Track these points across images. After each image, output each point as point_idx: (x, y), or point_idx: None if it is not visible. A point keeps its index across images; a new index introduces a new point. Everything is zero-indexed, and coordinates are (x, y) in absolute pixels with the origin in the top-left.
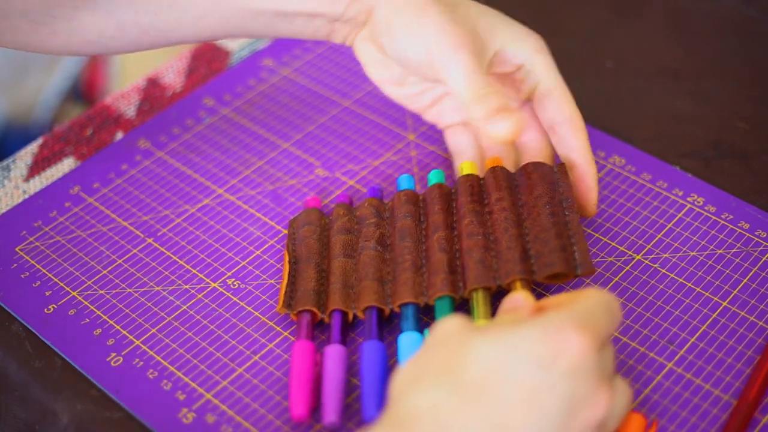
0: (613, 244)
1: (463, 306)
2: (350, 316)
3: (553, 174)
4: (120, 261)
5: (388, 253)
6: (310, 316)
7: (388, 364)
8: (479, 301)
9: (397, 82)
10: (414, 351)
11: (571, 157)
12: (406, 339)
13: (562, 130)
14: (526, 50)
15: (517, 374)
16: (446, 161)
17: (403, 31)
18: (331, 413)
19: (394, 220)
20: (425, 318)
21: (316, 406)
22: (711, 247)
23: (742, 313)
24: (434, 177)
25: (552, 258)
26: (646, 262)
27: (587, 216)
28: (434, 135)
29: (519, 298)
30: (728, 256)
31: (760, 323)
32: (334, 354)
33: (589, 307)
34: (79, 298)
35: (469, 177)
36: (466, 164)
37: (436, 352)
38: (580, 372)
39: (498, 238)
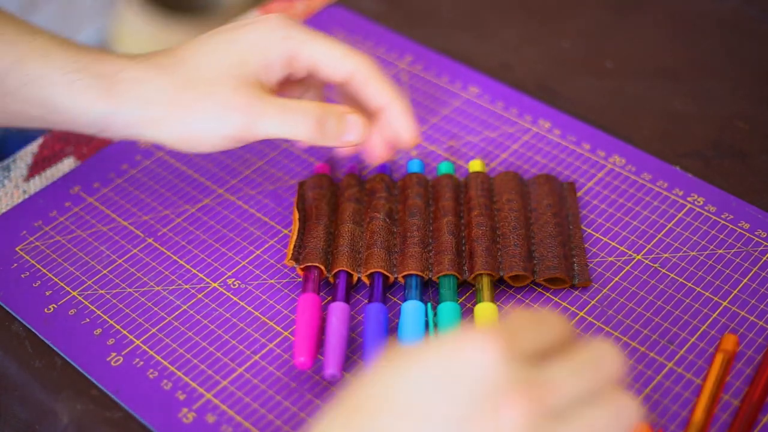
0: (613, 244)
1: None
2: (354, 278)
3: (562, 189)
4: (120, 261)
5: (396, 227)
6: (316, 272)
7: (389, 326)
8: (485, 285)
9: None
10: (416, 317)
11: (376, 100)
12: (410, 306)
13: (355, 81)
14: (278, 48)
15: (402, 398)
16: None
17: (187, 141)
18: (332, 365)
19: (405, 198)
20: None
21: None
22: (711, 247)
23: (742, 313)
24: (444, 167)
25: (554, 263)
26: (646, 262)
27: (410, 143)
28: (434, 135)
29: None
30: (728, 256)
31: (760, 323)
32: (338, 310)
33: (509, 324)
34: (79, 298)
35: (479, 174)
36: (476, 163)
37: (345, 392)
38: (483, 383)
39: (506, 233)
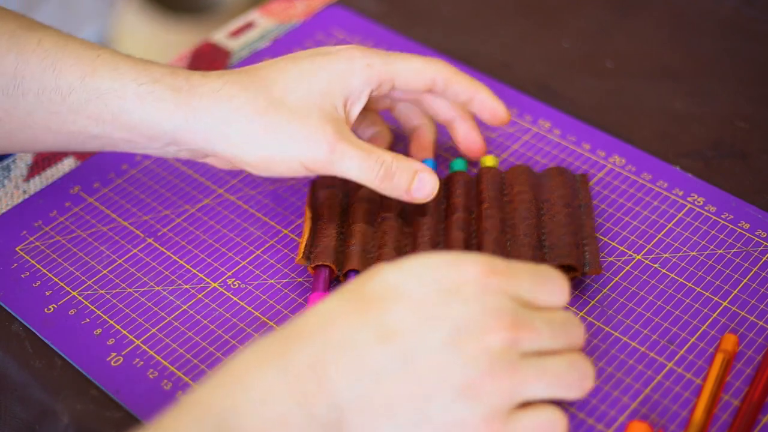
0: (613, 244)
1: None
2: None
3: (574, 181)
4: (120, 261)
5: (408, 227)
6: (327, 271)
7: None
8: None
9: None
10: None
11: (461, 96)
12: None
13: (437, 85)
14: (364, 76)
15: (412, 292)
16: (446, 162)
17: (263, 161)
18: None
19: None
20: None
21: None
22: (711, 247)
23: (742, 313)
24: (457, 164)
25: (565, 251)
26: (646, 262)
27: (505, 119)
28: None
29: None
30: (728, 256)
31: (760, 323)
32: None
33: (512, 265)
34: (79, 298)
35: (491, 169)
36: (488, 158)
37: (352, 281)
38: (479, 303)
39: (515, 224)
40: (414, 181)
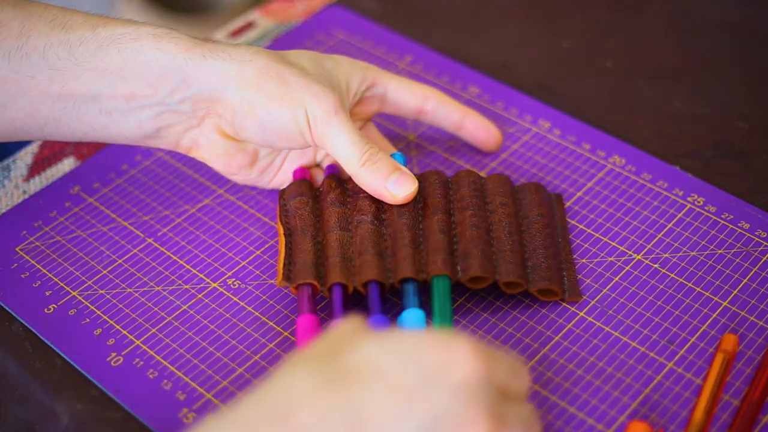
0: (613, 244)
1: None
2: (350, 289)
3: (551, 200)
4: (120, 261)
5: (385, 228)
6: (310, 289)
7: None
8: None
9: (249, 164)
10: (417, 326)
11: (453, 116)
12: (409, 316)
13: (429, 104)
14: (362, 73)
15: (394, 372)
16: (446, 161)
17: (271, 106)
18: None
19: None
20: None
21: None
22: (711, 247)
23: (742, 313)
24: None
25: (548, 274)
26: (646, 262)
27: (499, 139)
28: (434, 135)
29: None
30: (728, 256)
31: (760, 323)
32: None
33: (492, 351)
34: (79, 298)
35: (471, 173)
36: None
37: (324, 343)
38: (464, 392)
39: (501, 237)
40: (393, 175)
